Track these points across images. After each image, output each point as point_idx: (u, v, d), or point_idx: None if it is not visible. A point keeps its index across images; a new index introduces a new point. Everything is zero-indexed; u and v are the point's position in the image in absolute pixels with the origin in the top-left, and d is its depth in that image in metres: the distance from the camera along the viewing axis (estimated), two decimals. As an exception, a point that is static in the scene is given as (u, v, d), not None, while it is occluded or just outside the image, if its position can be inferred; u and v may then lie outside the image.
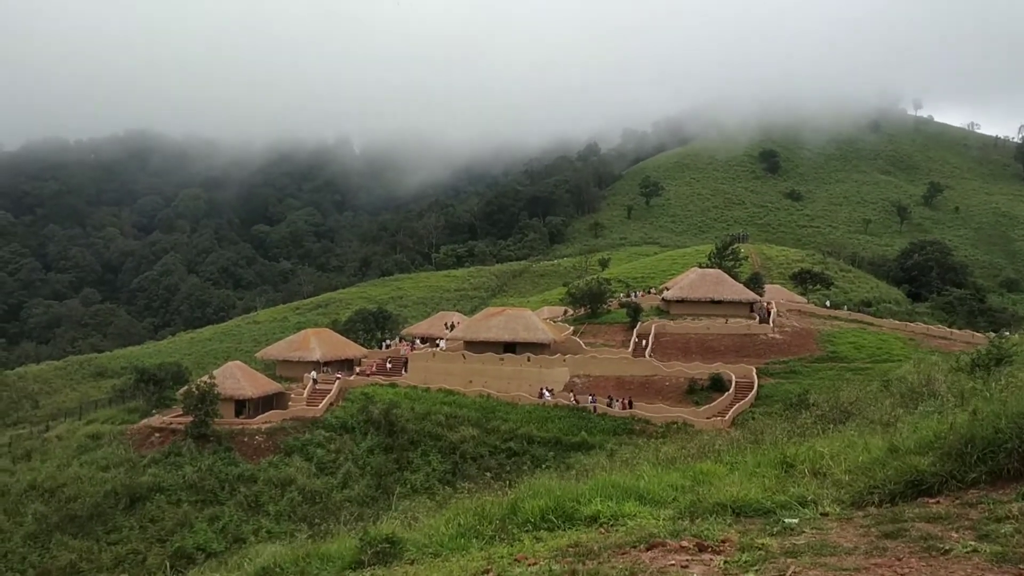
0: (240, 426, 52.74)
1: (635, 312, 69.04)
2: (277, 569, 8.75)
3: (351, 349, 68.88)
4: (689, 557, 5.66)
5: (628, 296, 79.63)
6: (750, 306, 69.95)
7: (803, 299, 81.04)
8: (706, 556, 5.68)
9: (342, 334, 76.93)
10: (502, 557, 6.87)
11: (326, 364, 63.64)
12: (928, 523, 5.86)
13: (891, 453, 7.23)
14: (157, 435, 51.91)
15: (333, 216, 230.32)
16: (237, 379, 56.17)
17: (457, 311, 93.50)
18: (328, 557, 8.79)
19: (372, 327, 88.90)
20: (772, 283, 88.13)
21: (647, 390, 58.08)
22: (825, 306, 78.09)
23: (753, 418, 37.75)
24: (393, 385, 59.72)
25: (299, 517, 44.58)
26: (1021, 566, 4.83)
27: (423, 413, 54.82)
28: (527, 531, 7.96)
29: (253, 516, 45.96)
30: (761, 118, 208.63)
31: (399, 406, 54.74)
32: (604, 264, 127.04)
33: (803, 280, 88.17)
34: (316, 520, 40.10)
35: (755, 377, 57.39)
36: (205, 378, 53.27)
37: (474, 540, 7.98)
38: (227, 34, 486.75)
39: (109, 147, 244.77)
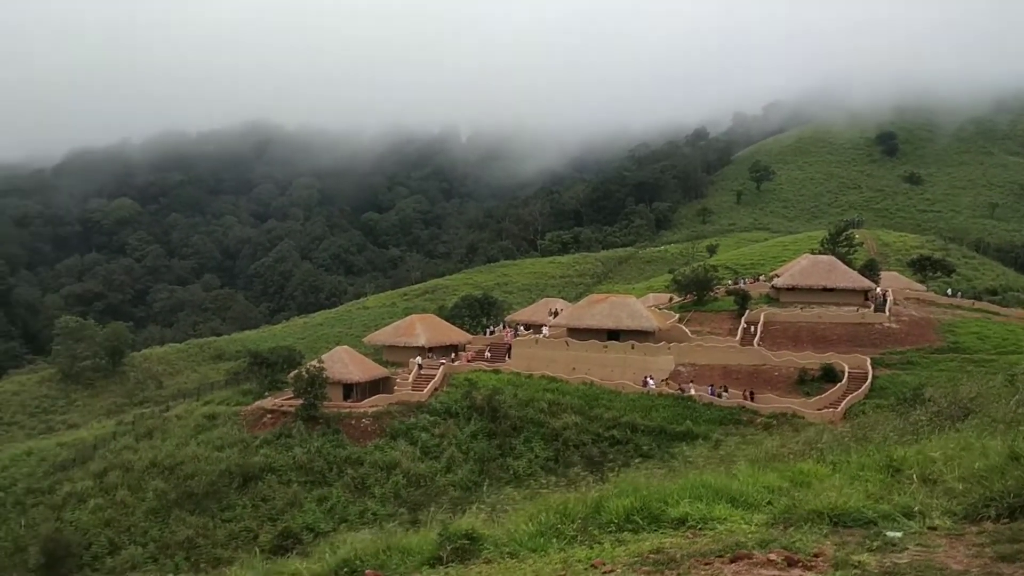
0: (348, 409, 53.90)
1: (743, 300, 67.21)
2: (357, 561, 8.65)
3: (455, 335, 69.48)
4: (776, 573, 5.22)
5: (736, 283, 77.63)
6: (864, 294, 67.14)
7: (922, 287, 77.35)
8: (795, 572, 5.22)
9: (448, 320, 77.72)
10: (579, 561, 6.56)
11: (431, 350, 64.33)
12: None
13: (1013, 460, 6.53)
14: (269, 416, 53.59)
15: (441, 204, 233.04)
16: (345, 363, 57.42)
17: (561, 298, 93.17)
18: (408, 551, 8.64)
19: (477, 313, 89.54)
20: (889, 270, 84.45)
21: (755, 380, 56.50)
22: (946, 294, 74.30)
23: (864, 411, 36.21)
24: (496, 371, 59.89)
25: (403, 500, 45.32)
26: None
27: (526, 400, 54.80)
28: (610, 532, 7.62)
29: (359, 498, 46.98)
30: (885, 99, 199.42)
31: (502, 392, 54.85)
32: (712, 250, 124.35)
33: (922, 267, 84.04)
34: (418, 504, 40.72)
35: (869, 368, 55.06)
36: (314, 362, 54.67)
37: (554, 540, 7.68)
38: (339, 27, 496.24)
39: (228, 138, 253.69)
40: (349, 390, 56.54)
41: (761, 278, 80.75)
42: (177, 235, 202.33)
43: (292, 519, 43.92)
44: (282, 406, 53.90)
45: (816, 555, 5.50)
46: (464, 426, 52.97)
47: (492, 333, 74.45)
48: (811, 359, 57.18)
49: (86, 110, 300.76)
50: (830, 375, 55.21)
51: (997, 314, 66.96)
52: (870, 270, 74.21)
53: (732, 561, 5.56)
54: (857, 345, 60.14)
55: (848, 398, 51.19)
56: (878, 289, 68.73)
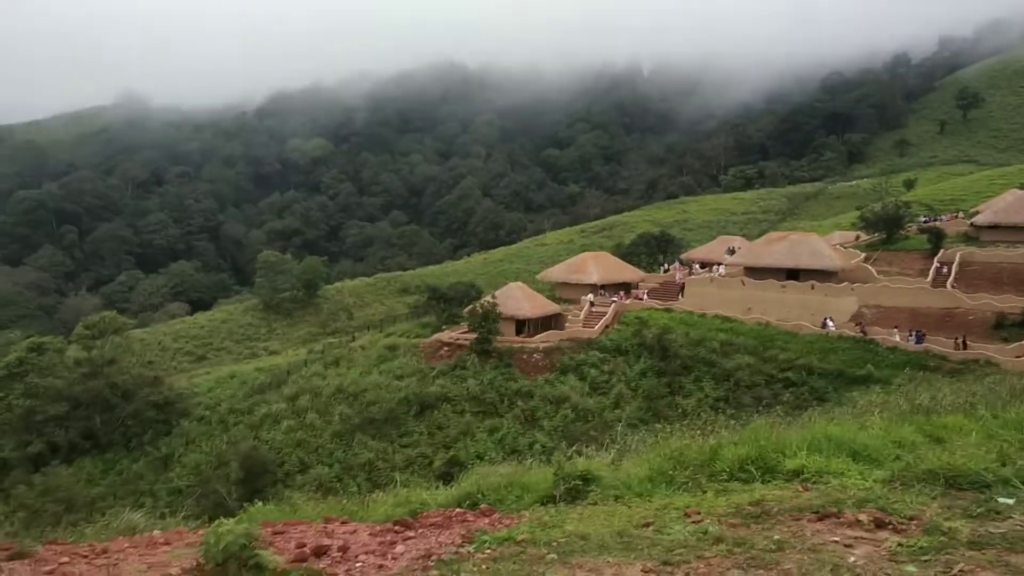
0: (519, 344, 55.10)
1: (937, 238, 62.72)
2: (479, 495, 8.98)
3: (628, 273, 69.10)
4: (860, 534, 5.02)
5: (930, 221, 72.50)
6: (1081, 233, 61.11)
7: None
8: (881, 535, 5.00)
9: (625, 257, 77.30)
10: (676, 508, 6.54)
11: (603, 287, 64.41)
12: None
13: None
14: (445, 349, 55.65)
15: (621, 139, 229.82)
16: (518, 299, 58.55)
17: (743, 235, 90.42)
18: (528, 487, 8.88)
19: (654, 250, 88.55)
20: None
21: (946, 324, 52.97)
22: None
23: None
24: (668, 310, 59.26)
25: (571, 433, 46.07)
26: None
27: (697, 339, 54.01)
28: (722, 481, 7.52)
29: (529, 430, 48.17)
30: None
31: (673, 331, 54.29)
32: (910, 185, 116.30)
33: None
34: (584, 438, 41.30)
35: (1080, 314, 50.34)
36: (488, 298, 56.07)
37: (663, 486, 7.67)
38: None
39: (413, 79, 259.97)
40: (521, 325, 57.72)
41: (960, 215, 75.01)
42: (367, 173, 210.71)
43: (464, 447, 45.69)
44: (458, 339, 55.78)
45: (912, 518, 5.22)
46: (634, 363, 52.97)
47: (666, 271, 73.50)
48: (1012, 303, 52.86)
49: (284, 53, 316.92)
50: (1033, 321, 50.95)
51: None
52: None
53: (820, 519, 5.38)
54: (1069, 289, 55.02)
55: (1054, 347, 47.12)
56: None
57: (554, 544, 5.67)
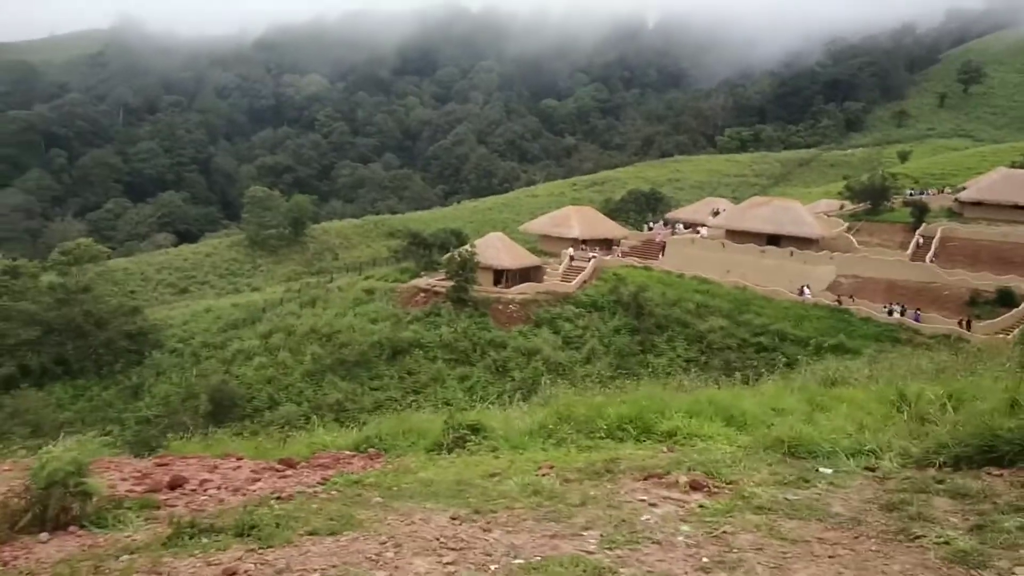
0: (496, 295, 55.22)
1: (920, 212, 62.90)
2: (376, 439, 9.11)
3: (611, 229, 69.09)
4: (674, 495, 5.17)
5: (916, 194, 72.51)
6: (1064, 214, 61.28)
7: None
8: (693, 497, 5.14)
9: (613, 213, 77.17)
10: (534, 462, 6.67)
11: (584, 242, 64.45)
12: (950, 498, 4.88)
13: (1011, 407, 5.99)
14: (422, 295, 55.77)
15: (620, 93, 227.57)
16: (497, 250, 58.56)
17: (734, 198, 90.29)
18: (423, 434, 9.01)
19: (643, 208, 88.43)
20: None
21: (921, 298, 53.38)
22: None
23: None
24: (648, 269, 59.42)
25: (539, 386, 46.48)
26: (973, 572, 3.88)
27: (674, 299, 54.26)
28: (598, 438, 7.66)
29: (499, 380, 48.48)
30: None
31: (650, 290, 54.49)
32: (904, 157, 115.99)
33: None
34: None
35: (1054, 295, 50.72)
36: (467, 247, 56.05)
37: (540, 440, 7.81)
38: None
39: (414, 19, 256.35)
40: (499, 276, 57.79)
41: (947, 190, 75.05)
42: (362, 113, 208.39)
43: (434, 393, 46.06)
44: (435, 286, 55.85)
45: (731, 483, 5.36)
46: (608, 320, 53.25)
47: (651, 229, 73.49)
48: (987, 280, 53.26)
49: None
50: (1007, 299, 51.30)
51: None
52: (1076, 189, 67.27)
53: (646, 479, 5.52)
54: (1046, 270, 55.35)
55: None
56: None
57: (395, 489, 5.80)
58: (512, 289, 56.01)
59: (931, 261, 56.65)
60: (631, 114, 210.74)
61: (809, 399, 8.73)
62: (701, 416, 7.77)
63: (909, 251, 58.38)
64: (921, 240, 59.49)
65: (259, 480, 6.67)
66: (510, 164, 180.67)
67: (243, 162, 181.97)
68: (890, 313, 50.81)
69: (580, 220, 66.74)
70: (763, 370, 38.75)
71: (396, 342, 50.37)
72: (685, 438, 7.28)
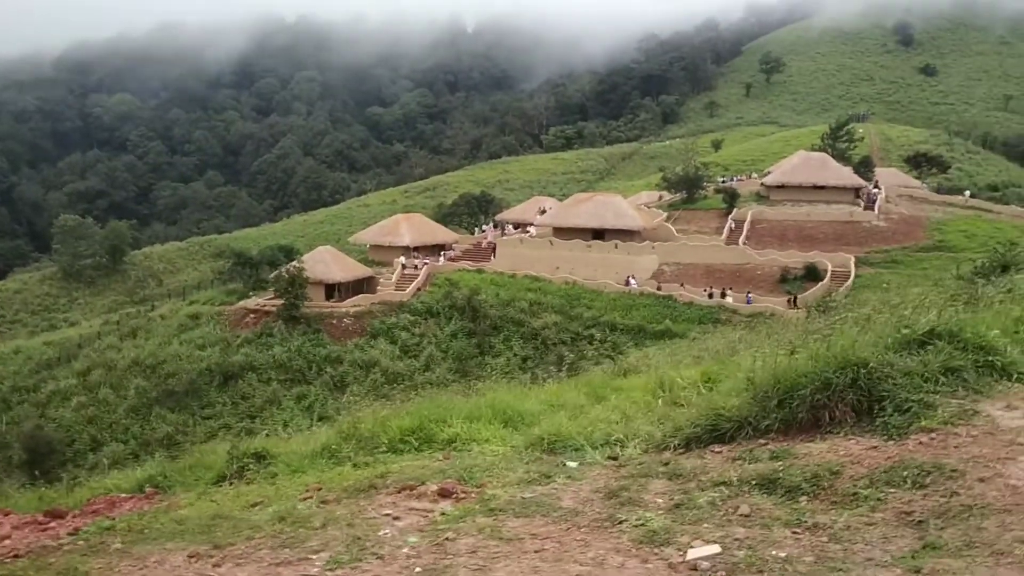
0: (329, 309, 54.31)
1: (731, 198, 66.53)
2: (160, 477, 8.76)
3: (442, 234, 69.29)
4: (421, 505, 5.22)
5: (726, 181, 76.64)
6: (856, 192, 66.27)
7: (919, 184, 76.25)
8: (440, 505, 5.21)
9: (446, 218, 77.31)
10: (303, 486, 6.58)
11: (416, 249, 64.29)
12: (668, 480, 5.17)
13: (747, 386, 6.36)
14: (251, 316, 54.10)
15: (446, 97, 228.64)
16: (327, 263, 57.56)
17: (563, 195, 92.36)
18: (209, 467, 8.74)
19: (476, 211, 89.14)
20: (890, 167, 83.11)
21: (738, 279, 56.45)
22: (934, 190, 73.18)
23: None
24: (480, 271, 59.96)
25: (381, 396, 46.01)
26: (656, 550, 4.14)
27: (507, 299, 55.02)
28: (380, 453, 7.63)
29: (338, 396, 47.68)
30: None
31: (483, 292, 55.00)
32: (717, 145, 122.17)
33: (917, 164, 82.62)
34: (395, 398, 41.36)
35: (852, 267, 54.78)
36: (295, 263, 54.79)
37: (323, 461, 7.72)
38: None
39: (227, 30, 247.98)
40: (332, 290, 56.84)
41: (753, 175, 79.70)
42: (179, 131, 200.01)
43: (270, 416, 44.72)
44: (264, 306, 54.33)
45: (480, 487, 5.46)
46: (444, 325, 53.36)
47: (483, 232, 74.21)
48: (795, 258, 56.97)
49: (84, 6, 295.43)
50: (813, 274, 55.11)
51: (989, 211, 66.10)
52: (864, 167, 73.07)
53: (399, 492, 5.55)
54: (844, 244, 59.75)
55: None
56: (870, 187, 67.78)
57: (145, 532, 5.57)
58: (345, 302, 55.23)
59: (743, 244, 60.00)
60: (458, 118, 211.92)
61: (591, 392, 9.01)
62: (481, 420, 7.88)
63: (723, 236, 61.59)
64: (733, 224, 62.87)
65: (8, 538, 6.25)
66: (339, 175, 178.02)
67: (51, 189, 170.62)
68: (710, 296, 53.46)
69: (410, 227, 66.51)
70: (597, 361, 40.25)
71: (227, 367, 48.65)
72: (463, 444, 7.37)
